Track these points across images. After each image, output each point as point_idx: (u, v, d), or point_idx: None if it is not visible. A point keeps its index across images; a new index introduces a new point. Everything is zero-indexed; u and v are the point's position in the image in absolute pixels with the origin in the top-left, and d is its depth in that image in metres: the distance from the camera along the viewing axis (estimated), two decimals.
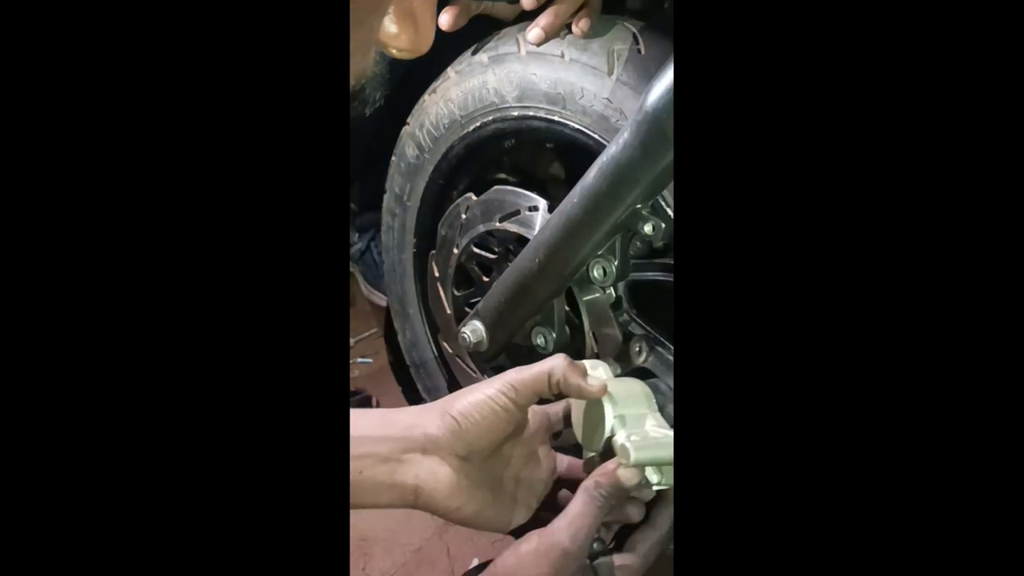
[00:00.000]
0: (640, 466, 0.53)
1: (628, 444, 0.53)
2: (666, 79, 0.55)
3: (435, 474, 0.56)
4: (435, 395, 1.01)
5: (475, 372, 0.91)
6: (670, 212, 0.66)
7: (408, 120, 0.89)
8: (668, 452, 0.54)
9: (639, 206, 0.62)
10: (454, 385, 0.97)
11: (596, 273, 0.69)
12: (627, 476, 0.53)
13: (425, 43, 0.40)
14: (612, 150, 0.60)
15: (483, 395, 0.57)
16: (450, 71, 0.83)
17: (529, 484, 0.61)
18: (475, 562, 0.90)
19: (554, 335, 0.76)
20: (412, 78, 0.88)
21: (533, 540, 0.54)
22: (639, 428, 0.56)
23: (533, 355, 0.79)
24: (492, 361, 0.85)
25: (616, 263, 0.68)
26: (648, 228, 0.64)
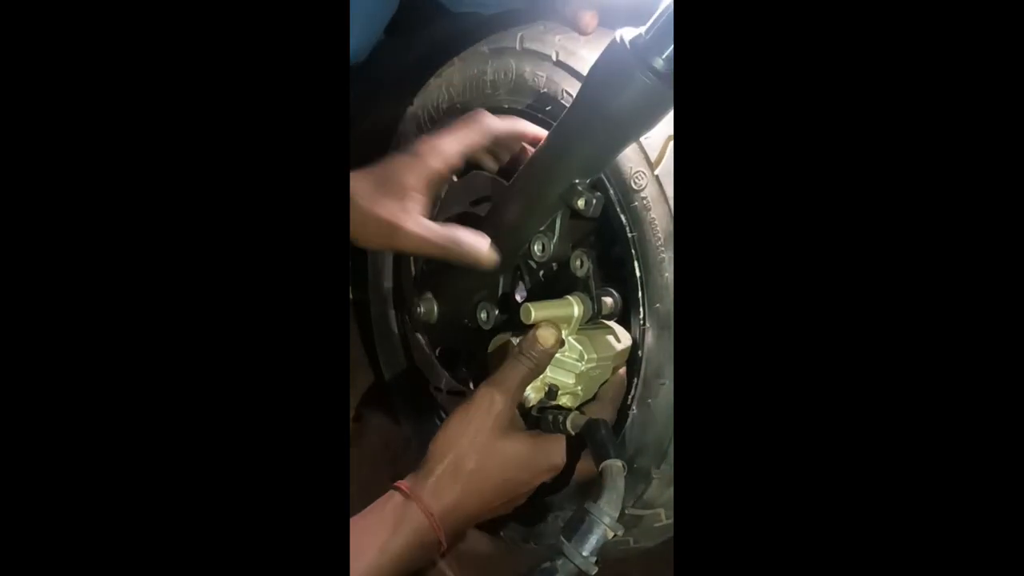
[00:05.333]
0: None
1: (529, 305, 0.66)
2: (605, 56, 0.58)
3: None
4: (392, 369, 1.04)
5: (428, 349, 0.94)
6: (610, 189, 0.68)
7: (413, 100, 0.93)
8: (567, 310, 0.67)
9: (576, 181, 0.64)
10: (409, 362, 1.00)
11: (536, 248, 0.71)
12: (545, 336, 0.64)
13: None
14: (556, 126, 0.63)
15: None
16: (456, 58, 0.87)
17: None
18: None
19: (496, 312, 0.79)
20: (425, 63, 0.93)
21: (459, 408, 0.64)
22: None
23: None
24: (440, 337, 0.89)
25: (555, 240, 0.70)
26: (580, 203, 0.65)
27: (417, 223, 0.69)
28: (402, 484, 0.63)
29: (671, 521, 0.75)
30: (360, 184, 0.69)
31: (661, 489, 0.72)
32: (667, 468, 0.70)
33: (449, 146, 0.71)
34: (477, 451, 0.63)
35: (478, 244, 0.70)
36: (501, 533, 0.87)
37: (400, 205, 0.68)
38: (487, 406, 0.64)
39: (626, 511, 0.73)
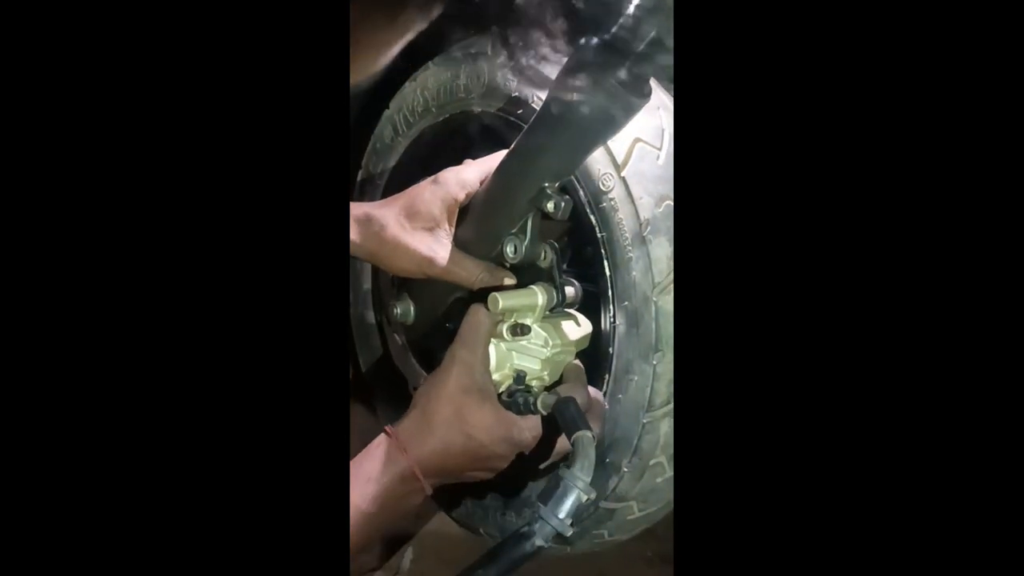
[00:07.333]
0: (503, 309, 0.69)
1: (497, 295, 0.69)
2: (571, 63, 0.59)
3: None
4: (371, 368, 1.05)
5: (406, 348, 0.96)
6: (580, 191, 0.70)
7: (389, 104, 0.95)
8: (531, 299, 0.70)
9: (546, 185, 0.66)
10: (388, 361, 1.02)
11: (509, 250, 0.72)
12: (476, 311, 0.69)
13: None
14: (525, 131, 0.65)
15: None
16: (430, 62, 0.89)
17: None
18: None
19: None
20: (396, 69, 0.94)
21: (426, 381, 0.69)
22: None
23: None
24: (417, 337, 0.90)
25: (526, 242, 0.71)
26: (550, 206, 0.67)
27: (453, 259, 0.73)
28: (388, 428, 0.68)
29: (644, 513, 0.77)
30: (389, 215, 0.73)
31: (632, 482, 0.74)
32: (637, 461, 0.72)
33: (471, 177, 0.73)
34: (445, 404, 0.66)
35: (504, 277, 0.74)
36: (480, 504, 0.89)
37: (433, 237, 0.73)
38: (453, 360, 0.68)
39: (599, 504, 0.75)
